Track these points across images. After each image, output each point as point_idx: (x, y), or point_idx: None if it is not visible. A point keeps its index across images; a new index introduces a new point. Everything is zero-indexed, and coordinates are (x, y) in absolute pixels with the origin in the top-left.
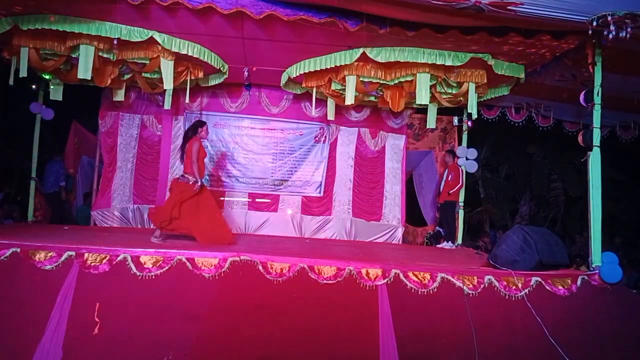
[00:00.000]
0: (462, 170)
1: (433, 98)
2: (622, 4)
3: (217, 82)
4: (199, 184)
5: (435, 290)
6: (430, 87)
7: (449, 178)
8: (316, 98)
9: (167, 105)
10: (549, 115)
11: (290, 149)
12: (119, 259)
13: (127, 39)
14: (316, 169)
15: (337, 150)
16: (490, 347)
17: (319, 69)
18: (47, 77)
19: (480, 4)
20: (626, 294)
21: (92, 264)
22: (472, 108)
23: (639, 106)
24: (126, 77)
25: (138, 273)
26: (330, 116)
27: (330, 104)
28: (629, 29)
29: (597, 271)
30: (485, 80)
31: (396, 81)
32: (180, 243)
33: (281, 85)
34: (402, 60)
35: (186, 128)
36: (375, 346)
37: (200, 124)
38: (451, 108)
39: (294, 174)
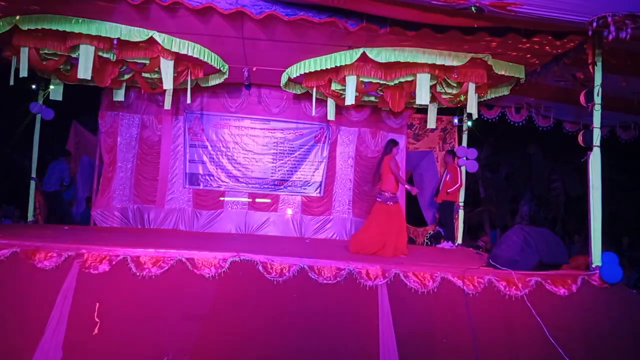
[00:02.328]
0: (460, 170)
1: (433, 98)
2: (622, 4)
3: (217, 82)
4: (398, 200)
5: (435, 290)
6: (430, 87)
7: (447, 178)
8: (316, 98)
9: (167, 105)
10: (549, 115)
11: (290, 149)
12: (119, 259)
13: (127, 39)
14: (316, 169)
15: (337, 150)
16: (490, 347)
17: (319, 69)
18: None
19: (480, 4)
20: (626, 294)
21: (92, 264)
22: (472, 108)
23: (638, 107)
24: (126, 77)
25: (138, 273)
26: (330, 116)
27: (330, 104)
28: (629, 30)
29: (597, 271)
30: (485, 80)
31: (396, 81)
32: (181, 243)
33: (281, 85)
34: (402, 61)
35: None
36: (375, 346)
37: (394, 143)
38: (451, 108)
39: (294, 174)
